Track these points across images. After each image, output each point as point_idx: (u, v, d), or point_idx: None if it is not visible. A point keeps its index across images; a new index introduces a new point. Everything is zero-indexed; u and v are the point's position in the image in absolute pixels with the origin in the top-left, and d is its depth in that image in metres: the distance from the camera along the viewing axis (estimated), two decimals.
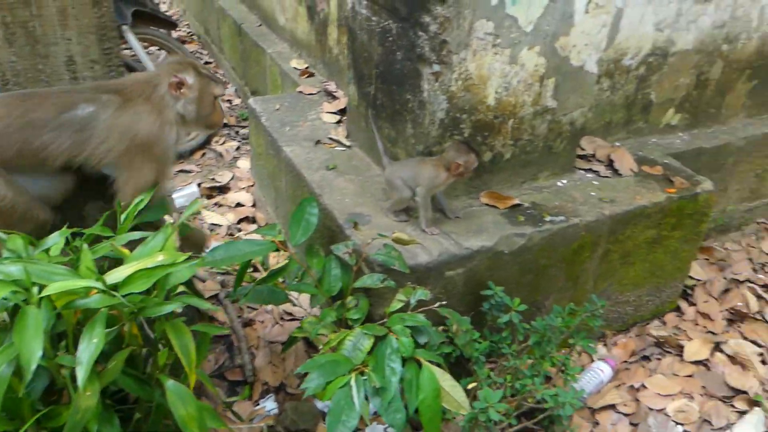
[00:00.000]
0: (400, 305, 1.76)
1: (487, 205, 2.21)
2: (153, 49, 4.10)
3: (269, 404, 2.14)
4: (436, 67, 1.91)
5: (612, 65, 2.47)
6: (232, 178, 3.52)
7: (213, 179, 3.46)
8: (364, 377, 1.50)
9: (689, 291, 2.82)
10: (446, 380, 1.59)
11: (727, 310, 2.73)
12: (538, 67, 2.05)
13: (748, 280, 2.90)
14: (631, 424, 2.20)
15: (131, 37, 3.46)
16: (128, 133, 1.65)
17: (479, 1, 1.83)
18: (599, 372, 2.33)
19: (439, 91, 1.96)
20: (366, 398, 1.50)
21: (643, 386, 2.35)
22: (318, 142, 2.56)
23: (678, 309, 2.75)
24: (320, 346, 1.69)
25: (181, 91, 1.72)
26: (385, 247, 1.76)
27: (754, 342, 2.59)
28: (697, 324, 2.68)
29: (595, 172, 2.46)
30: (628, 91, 2.58)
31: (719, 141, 2.83)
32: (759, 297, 2.82)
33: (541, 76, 2.08)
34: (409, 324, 1.64)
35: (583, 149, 2.55)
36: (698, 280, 2.87)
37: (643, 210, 2.28)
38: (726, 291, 2.83)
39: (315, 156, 2.49)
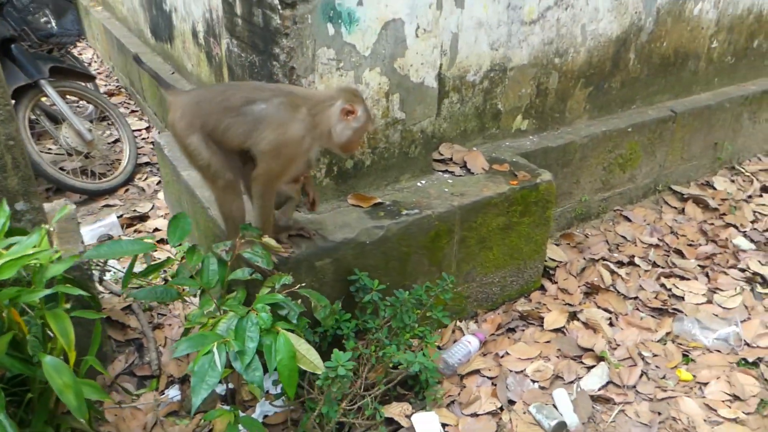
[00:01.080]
0: (267, 290, 1.98)
1: (353, 205, 2.47)
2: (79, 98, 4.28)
3: (173, 392, 2.33)
4: None
5: (458, 81, 2.80)
6: (151, 208, 3.72)
7: (134, 210, 3.64)
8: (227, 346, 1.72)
9: (552, 271, 3.12)
10: (301, 345, 1.82)
11: (584, 284, 3.06)
12: (382, 84, 2.36)
13: (603, 258, 3.24)
14: (493, 384, 2.44)
15: (50, 90, 3.66)
16: (279, 131, 1.92)
17: (318, 33, 2.13)
18: (467, 344, 2.59)
19: None
20: (231, 365, 1.71)
21: (507, 353, 2.63)
22: None
23: (542, 288, 3.07)
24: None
25: (348, 117, 1.94)
26: (253, 247, 1.99)
27: (605, 309, 2.90)
28: (557, 299, 2.98)
29: (450, 172, 2.78)
30: (476, 102, 2.92)
31: (564, 140, 3.21)
32: (612, 272, 3.16)
33: (387, 92, 2.40)
34: (269, 302, 1.85)
35: (441, 154, 2.87)
36: (560, 262, 3.20)
37: (489, 200, 2.59)
38: (584, 269, 3.14)
39: None
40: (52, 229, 1.87)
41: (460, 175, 2.79)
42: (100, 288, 2.88)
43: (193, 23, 3.67)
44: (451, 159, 2.89)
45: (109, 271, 3.10)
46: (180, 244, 2.58)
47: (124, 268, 3.03)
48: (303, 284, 2.03)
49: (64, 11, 4.18)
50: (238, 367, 1.70)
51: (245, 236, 1.99)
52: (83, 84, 4.09)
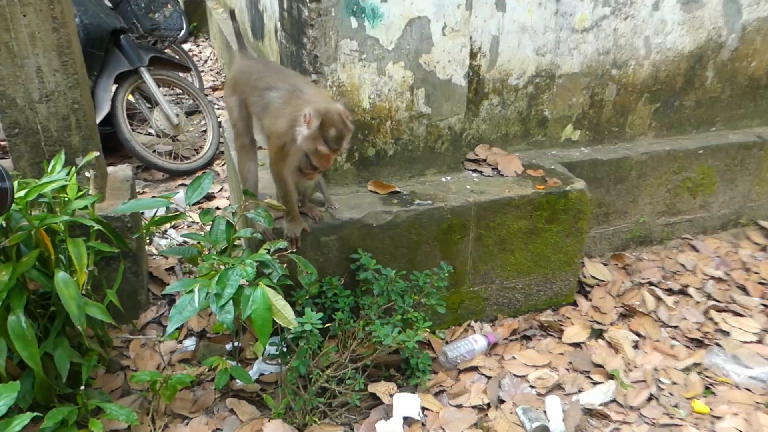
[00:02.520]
0: (264, 252, 2.34)
1: (371, 191, 2.77)
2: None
3: (188, 342, 2.75)
4: (314, 76, 2.56)
5: (499, 84, 3.03)
6: (220, 190, 4.26)
7: None
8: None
9: (589, 289, 3.20)
10: (278, 300, 2.15)
11: (622, 306, 3.10)
12: (406, 78, 2.66)
13: (651, 283, 3.25)
14: (488, 379, 2.61)
15: (147, 76, 4.34)
16: (272, 121, 2.34)
17: (341, 25, 2.48)
18: (473, 342, 2.78)
19: None
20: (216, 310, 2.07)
21: (513, 358, 2.76)
22: (260, 147, 3.24)
23: (574, 304, 3.15)
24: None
25: (305, 124, 2.13)
26: (257, 208, 2.37)
27: (636, 333, 2.94)
28: (587, 315, 3.04)
29: (480, 172, 3.00)
30: (520, 107, 3.11)
31: (617, 155, 3.28)
32: (658, 299, 3.17)
33: (411, 86, 2.69)
34: (257, 259, 2.21)
35: (476, 154, 3.08)
36: (601, 280, 3.26)
37: (509, 201, 2.78)
38: (626, 292, 3.18)
39: None
40: (89, 175, 2.37)
41: (489, 176, 2.99)
42: (151, 248, 3.42)
43: (274, 21, 4.21)
44: (485, 160, 3.10)
45: (167, 238, 3.65)
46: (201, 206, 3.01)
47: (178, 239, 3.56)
48: (322, 262, 2.36)
49: (170, 9, 4.93)
50: (213, 307, 2.06)
51: (246, 199, 2.38)
52: (179, 74, 4.79)
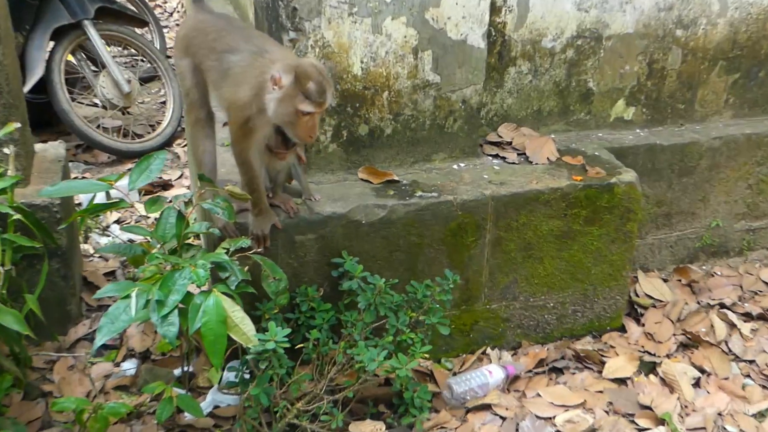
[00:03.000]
0: (221, 252, 2.44)
1: (362, 180, 2.87)
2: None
3: (127, 365, 2.87)
4: (292, 34, 2.67)
5: (529, 47, 3.11)
6: (179, 177, 4.38)
7: (159, 177, 4.32)
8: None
9: (642, 310, 3.28)
10: (235, 311, 2.24)
11: (683, 333, 3.15)
12: (408, 38, 2.75)
13: (724, 306, 3.31)
14: (502, 419, 2.68)
15: (93, 32, 4.48)
16: (232, 90, 2.42)
17: None
18: (486, 374, 2.86)
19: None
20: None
21: (538, 395, 2.84)
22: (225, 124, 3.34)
23: (622, 329, 3.21)
24: None
25: (275, 87, 2.23)
26: (215, 197, 2.47)
27: (699, 368, 3.00)
28: (636, 344, 3.11)
29: (503, 158, 3.08)
30: (556, 76, 3.20)
31: (683, 139, 3.35)
32: (731, 325, 3.22)
33: (414, 47, 2.78)
34: (213, 260, 2.31)
35: (500, 136, 3.18)
36: (659, 300, 3.33)
37: (537, 195, 2.86)
38: (689, 315, 3.24)
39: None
40: (8, 152, 2.49)
41: (514, 163, 3.07)
42: (88, 247, 3.54)
43: None
44: (509, 143, 3.18)
45: (108, 236, 3.77)
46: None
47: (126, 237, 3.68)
48: (295, 266, 2.46)
49: None
50: (154, 318, 2.16)
51: (202, 186, 2.48)
52: (134, 30, 4.92)
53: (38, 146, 3.18)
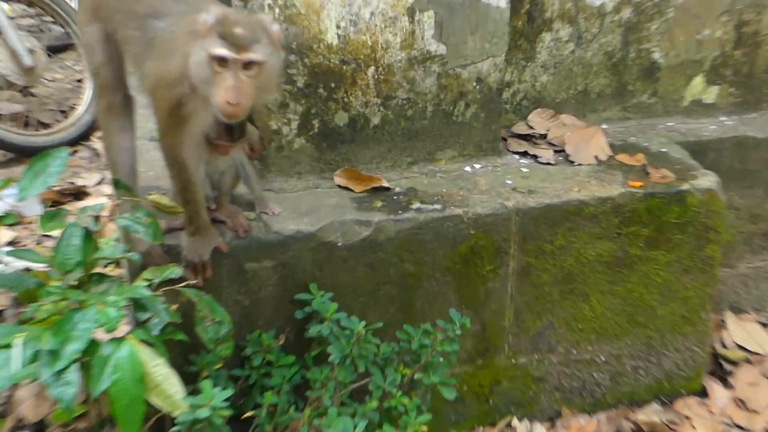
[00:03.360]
0: (142, 285, 2.47)
1: (341, 187, 2.90)
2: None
3: None
4: None
5: (571, 4, 3.16)
6: (99, 182, 4.43)
7: (71, 182, 4.38)
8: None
9: (731, 367, 3.28)
10: (158, 366, 2.27)
11: None
12: None
13: None
14: None
15: None
16: (158, 65, 2.41)
17: None
18: None
19: None
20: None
21: None
22: None
23: (703, 393, 3.22)
24: None
25: (201, 37, 2.23)
26: (135, 210, 2.51)
27: None
28: (722, 414, 3.12)
29: (533, 157, 3.11)
30: (608, 44, 3.26)
31: None
32: None
33: (410, 7, 2.83)
34: (129, 296, 2.34)
35: (530, 126, 3.20)
36: (755, 354, 3.33)
37: (580, 207, 2.90)
38: None
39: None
40: None
41: (548, 164, 3.10)
42: None
43: None
44: (543, 136, 3.21)
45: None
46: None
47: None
48: (245, 304, 2.49)
49: None
50: (44, 374, 2.19)
51: (118, 195, 2.52)
52: None
53: None
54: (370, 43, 2.84)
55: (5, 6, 4.69)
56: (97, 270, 2.58)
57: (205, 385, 2.37)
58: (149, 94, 2.54)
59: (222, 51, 2.20)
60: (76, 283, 2.55)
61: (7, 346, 2.22)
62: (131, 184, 2.71)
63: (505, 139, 3.20)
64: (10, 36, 4.66)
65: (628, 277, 3.01)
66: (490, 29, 2.93)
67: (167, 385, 2.24)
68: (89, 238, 2.54)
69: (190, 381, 2.63)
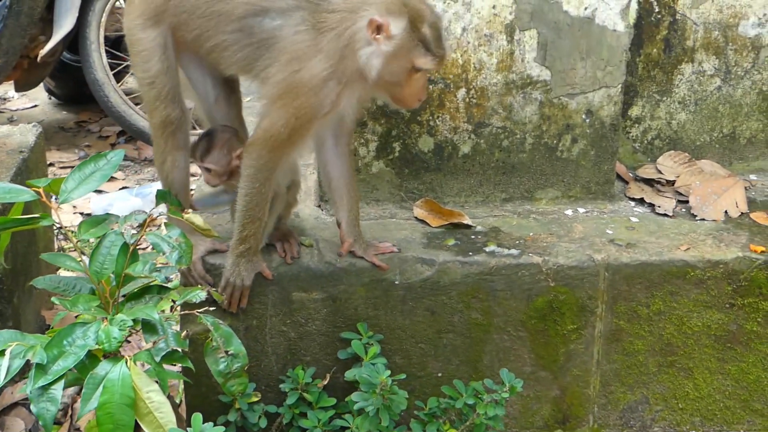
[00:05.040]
0: (167, 305, 2.50)
1: (418, 219, 2.84)
2: None
3: None
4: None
5: (718, 33, 2.95)
6: None
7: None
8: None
9: None
10: (152, 392, 2.28)
11: None
12: (500, 9, 2.72)
13: None
14: None
15: None
16: (290, 67, 2.49)
17: None
18: None
19: None
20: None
21: None
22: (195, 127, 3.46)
23: None
24: None
25: (377, 36, 2.29)
26: (168, 227, 2.54)
27: None
28: None
29: (651, 206, 2.93)
30: (763, 82, 3.03)
31: None
32: None
33: (509, 24, 2.74)
34: (139, 317, 2.37)
35: (659, 170, 3.03)
36: None
37: (684, 270, 2.71)
38: None
39: None
40: None
41: (665, 215, 2.89)
42: None
43: None
44: (672, 183, 3.01)
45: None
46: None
47: None
48: (292, 336, 2.49)
49: None
50: (28, 389, 2.24)
51: (172, 210, 2.56)
52: None
53: (2, 130, 3.41)
54: (461, 61, 2.76)
55: None
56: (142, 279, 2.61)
57: (196, 419, 2.36)
58: (271, 102, 2.51)
59: (430, 63, 2.35)
60: (132, 294, 2.60)
61: (2, 353, 2.29)
62: (183, 200, 2.73)
63: (627, 182, 3.02)
64: None
65: (743, 356, 2.77)
66: (605, 56, 2.77)
67: (159, 413, 2.24)
68: (125, 249, 2.59)
69: (224, 411, 2.67)
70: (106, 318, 2.35)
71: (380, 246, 2.70)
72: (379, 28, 2.29)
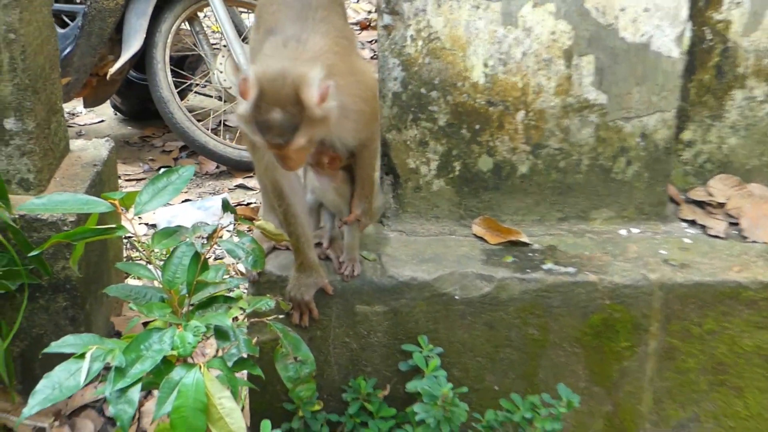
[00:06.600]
0: (237, 313, 2.52)
1: (477, 236, 2.84)
2: None
3: None
4: (387, 19, 2.71)
5: None
6: None
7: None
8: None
9: None
10: (224, 399, 2.29)
11: None
12: (559, 35, 2.71)
13: None
14: None
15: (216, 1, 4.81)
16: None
17: None
18: None
19: (390, 53, 2.73)
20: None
21: None
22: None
23: None
24: None
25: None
26: (240, 235, 2.56)
27: None
28: None
29: (703, 227, 2.91)
30: None
31: None
32: None
33: (567, 50, 2.73)
34: (212, 323, 2.39)
35: (709, 193, 3.01)
36: None
37: (736, 290, 2.69)
38: None
39: None
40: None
41: (717, 236, 2.86)
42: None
43: None
44: (722, 205, 2.98)
45: None
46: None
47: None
48: (353, 347, 2.50)
49: None
50: (107, 391, 2.27)
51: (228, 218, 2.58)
52: None
53: (78, 144, 3.46)
54: (520, 85, 2.76)
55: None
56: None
57: (265, 426, 2.38)
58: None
59: (258, 139, 2.27)
60: (201, 302, 2.62)
61: (81, 356, 2.32)
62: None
63: (679, 204, 3.01)
64: (235, 48, 4.90)
65: None
66: (660, 81, 2.76)
67: (230, 419, 2.26)
68: (196, 258, 2.61)
69: (286, 419, 2.68)
70: (180, 324, 2.37)
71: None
72: (243, 88, 2.22)
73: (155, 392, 2.32)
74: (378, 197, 2.86)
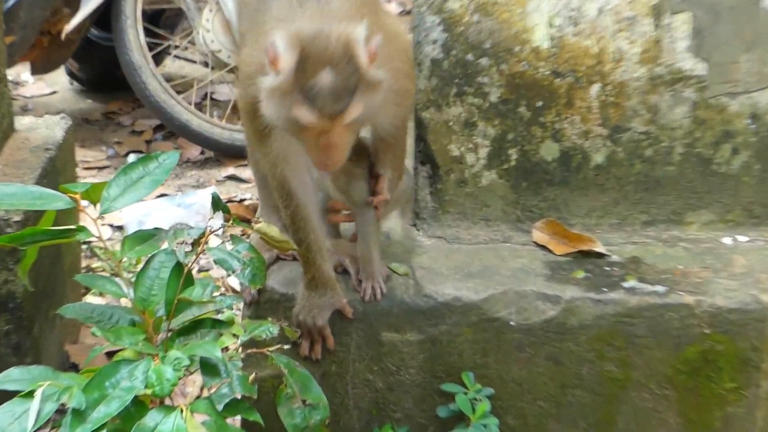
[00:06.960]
0: (229, 342, 2.51)
1: (538, 245, 2.82)
2: None
3: None
4: None
5: None
6: None
7: None
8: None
9: None
10: None
11: None
12: None
13: None
14: None
15: None
16: (243, 56, 2.63)
17: None
18: None
19: (428, 9, 2.71)
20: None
21: None
22: None
23: None
24: None
25: (270, 68, 2.26)
26: (234, 241, 2.55)
27: None
28: None
29: None
30: None
31: None
32: None
33: (655, 6, 2.70)
34: (196, 354, 2.38)
35: None
36: None
37: None
38: None
39: None
40: None
41: None
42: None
43: None
44: None
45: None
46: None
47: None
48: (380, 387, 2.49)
49: None
50: None
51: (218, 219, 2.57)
52: None
53: (25, 122, 3.45)
54: (595, 50, 2.74)
55: None
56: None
57: None
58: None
59: (307, 117, 2.24)
60: (183, 326, 2.60)
61: (29, 395, 2.30)
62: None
63: None
64: (228, 3, 4.89)
65: None
66: None
67: None
68: (178, 271, 2.60)
69: None
70: (157, 355, 2.35)
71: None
72: (272, 59, 2.21)
73: None
74: (405, 179, 2.81)
